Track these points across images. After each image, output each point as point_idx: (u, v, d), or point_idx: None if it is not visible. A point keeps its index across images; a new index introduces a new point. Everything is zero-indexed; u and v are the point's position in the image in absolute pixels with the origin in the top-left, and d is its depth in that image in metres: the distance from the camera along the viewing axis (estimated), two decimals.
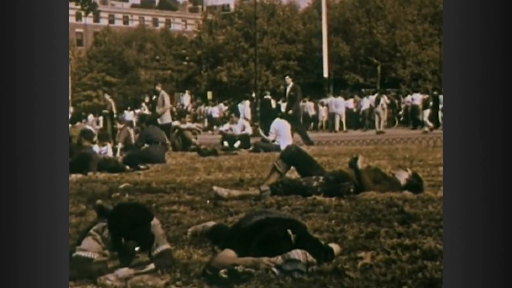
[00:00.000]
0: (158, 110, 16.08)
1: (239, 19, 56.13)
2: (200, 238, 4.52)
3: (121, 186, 7.74)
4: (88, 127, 16.33)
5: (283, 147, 10.68)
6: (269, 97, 24.53)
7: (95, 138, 11.95)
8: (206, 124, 35.58)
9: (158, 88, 16.81)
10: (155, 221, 3.86)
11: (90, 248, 3.65)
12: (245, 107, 32.34)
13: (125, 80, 58.54)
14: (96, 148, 11.07)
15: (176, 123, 16.36)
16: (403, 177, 6.57)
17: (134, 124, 18.88)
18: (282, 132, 14.58)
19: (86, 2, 23.29)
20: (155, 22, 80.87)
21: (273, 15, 54.87)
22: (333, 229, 4.69)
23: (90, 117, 31.98)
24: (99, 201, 4.41)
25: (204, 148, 14.20)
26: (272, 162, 7.27)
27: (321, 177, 6.47)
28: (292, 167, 7.02)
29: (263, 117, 24.07)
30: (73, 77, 54.04)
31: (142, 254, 3.71)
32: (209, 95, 47.67)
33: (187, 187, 7.44)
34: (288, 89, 17.78)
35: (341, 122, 29.28)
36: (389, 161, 10.06)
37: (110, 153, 11.46)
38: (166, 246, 3.82)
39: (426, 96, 28.12)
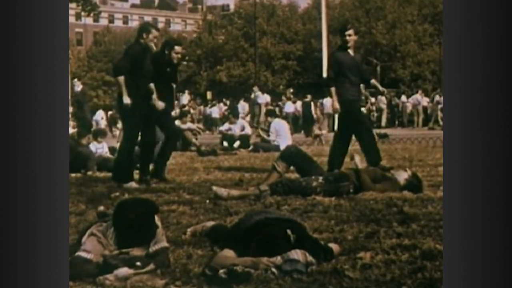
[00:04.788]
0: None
1: (238, 19, 56.07)
2: (200, 238, 4.51)
3: None
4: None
5: (282, 147, 10.68)
6: (308, 99, 24.76)
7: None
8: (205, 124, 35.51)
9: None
10: (157, 217, 3.87)
11: (94, 251, 3.63)
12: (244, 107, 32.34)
13: None
14: (92, 146, 11.03)
15: (176, 123, 16.31)
16: (402, 177, 6.58)
17: None
18: (281, 132, 14.58)
19: (87, 2, 23.22)
20: (155, 22, 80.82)
21: (273, 15, 54.84)
22: (333, 229, 4.69)
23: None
24: (101, 208, 4.40)
25: (204, 148, 14.18)
26: (272, 162, 7.28)
27: (321, 177, 6.47)
28: (291, 167, 7.02)
29: (305, 119, 24.43)
30: (73, 77, 53.96)
31: (139, 249, 3.70)
32: (209, 95, 47.63)
33: (187, 187, 7.44)
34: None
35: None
36: (388, 161, 10.05)
37: (106, 150, 11.40)
38: (164, 244, 3.80)
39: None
